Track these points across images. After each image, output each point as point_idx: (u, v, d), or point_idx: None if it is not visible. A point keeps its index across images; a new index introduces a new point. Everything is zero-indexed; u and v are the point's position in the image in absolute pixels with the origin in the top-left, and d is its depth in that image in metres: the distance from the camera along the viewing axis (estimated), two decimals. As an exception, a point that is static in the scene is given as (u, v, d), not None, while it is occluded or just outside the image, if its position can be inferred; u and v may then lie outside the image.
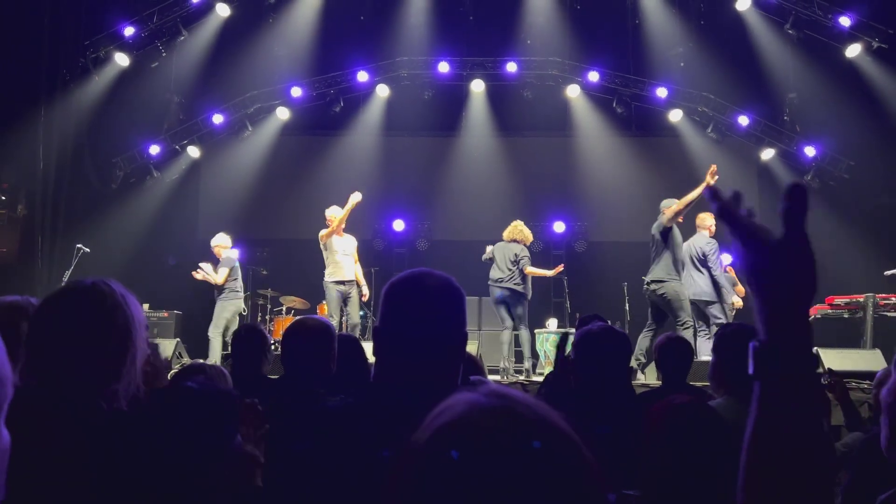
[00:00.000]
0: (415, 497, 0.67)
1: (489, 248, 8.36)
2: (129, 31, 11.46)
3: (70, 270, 8.69)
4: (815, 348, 6.02)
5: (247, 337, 3.26)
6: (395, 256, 12.18)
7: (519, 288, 8.08)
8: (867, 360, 6.82)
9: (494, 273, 8.20)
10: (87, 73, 11.34)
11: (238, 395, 1.58)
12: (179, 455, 1.33)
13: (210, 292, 11.93)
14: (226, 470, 1.36)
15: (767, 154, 12.16)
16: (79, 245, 8.97)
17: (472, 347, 7.33)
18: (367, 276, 10.61)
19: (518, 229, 8.42)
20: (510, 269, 8.10)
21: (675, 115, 12.20)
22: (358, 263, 8.61)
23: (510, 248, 8.21)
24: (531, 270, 8.22)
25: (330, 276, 8.43)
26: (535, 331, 10.09)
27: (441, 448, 0.67)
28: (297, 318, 2.99)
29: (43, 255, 10.62)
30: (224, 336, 8.25)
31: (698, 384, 5.37)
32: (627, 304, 10.52)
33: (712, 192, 0.92)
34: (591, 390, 2.36)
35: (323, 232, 8.47)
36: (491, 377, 7.27)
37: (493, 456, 0.66)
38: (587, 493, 0.68)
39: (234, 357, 3.24)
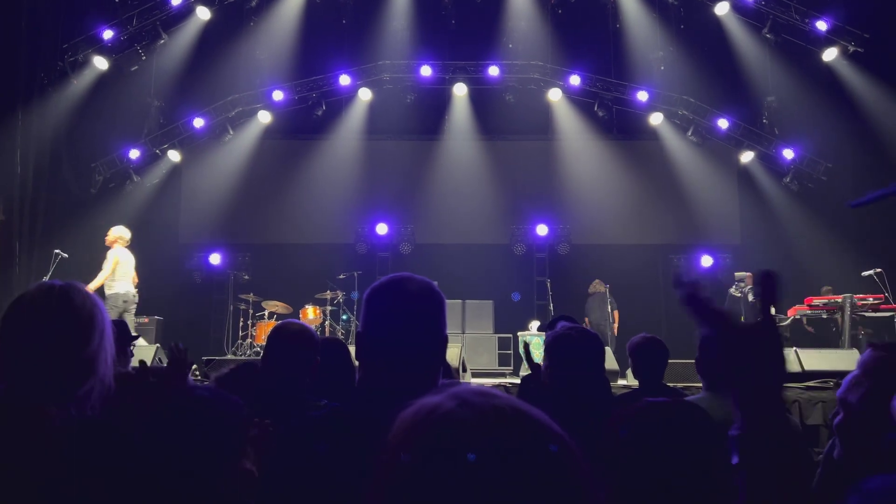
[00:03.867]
0: (408, 500, 0.67)
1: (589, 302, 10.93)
2: (108, 34, 11.35)
3: (48, 276, 8.58)
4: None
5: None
6: (378, 260, 12.16)
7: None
8: (845, 360, 6.89)
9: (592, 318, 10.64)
10: (65, 76, 11.22)
11: (245, 406, 1.57)
12: (180, 462, 1.32)
13: (190, 298, 11.87)
14: (228, 481, 1.36)
15: (747, 157, 12.30)
16: (57, 251, 8.86)
17: (455, 350, 7.34)
18: (349, 279, 10.62)
19: (599, 285, 10.96)
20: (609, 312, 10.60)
21: (656, 119, 12.30)
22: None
23: (606, 297, 10.71)
24: (616, 314, 10.75)
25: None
26: (518, 333, 10.14)
27: (434, 450, 0.67)
28: (280, 322, 2.95)
29: (21, 260, 10.47)
30: None
31: (681, 385, 5.41)
32: (609, 306, 10.60)
33: (677, 278, 0.93)
34: (565, 392, 2.36)
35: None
36: (476, 380, 7.30)
37: (484, 454, 0.66)
38: (580, 488, 0.69)
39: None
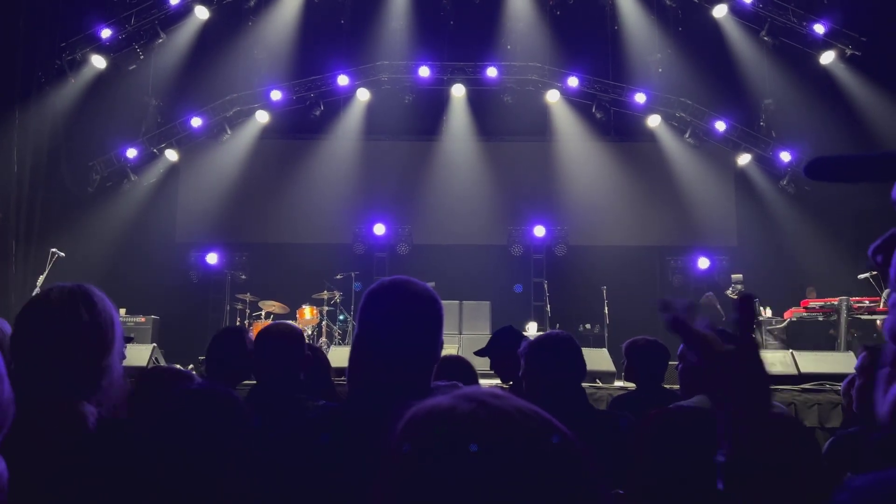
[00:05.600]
0: (410, 498, 0.67)
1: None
2: (106, 33, 11.34)
3: (44, 275, 8.56)
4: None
5: (228, 341, 3.18)
6: (375, 261, 12.16)
7: None
8: (841, 362, 6.91)
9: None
10: (63, 75, 11.20)
11: (238, 396, 1.58)
12: (189, 456, 1.33)
13: (187, 298, 11.86)
14: (235, 468, 1.37)
15: (744, 159, 12.32)
16: (54, 249, 8.83)
17: (451, 350, 7.35)
18: (347, 280, 10.62)
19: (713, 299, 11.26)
20: None
21: (654, 121, 12.32)
22: None
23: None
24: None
25: None
26: (516, 335, 10.13)
27: (437, 451, 0.68)
28: (267, 324, 2.97)
29: (17, 259, 10.46)
30: None
31: (676, 387, 5.41)
32: (606, 308, 10.60)
33: (664, 304, 0.95)
34: (543, 398, 2.36)
35: None
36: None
37: (503, 453, 0.67)
38: (588, 484, 0.69)
39: (209, 366, 3.13)
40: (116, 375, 1.52)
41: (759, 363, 0.91)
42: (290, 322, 2.85)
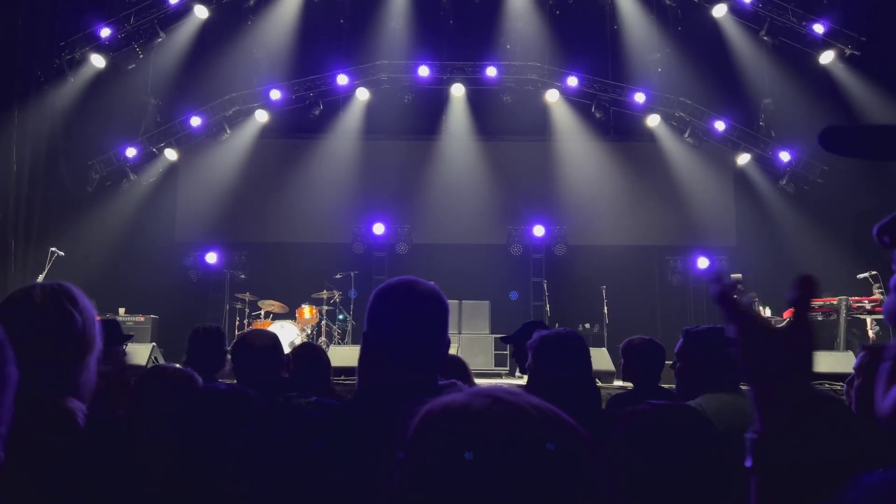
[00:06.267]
0: (426, 495, 0.68)
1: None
2: (105, 32, 11.34)
3: (44, 274, 8.57)
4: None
5: (206, 338, 3.19)
6: (375, 260, 12.16)
7: None
8: (841, 361, 6.92)
9: None
10: (62, 74, 11.20)
11: (254, 394, 1.59)
12: (194, 455, 1.34)
13: (186, 297, 11.86)
14: (235, 468, 1.37)
15: (743, 159, 12.33)
16: (53, 249, 8.84)
17: (451, 350, 7.35)
18: (346, 279, 10.62)
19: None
20: None
21: (653, 120, 12.32)
22: None
23: None
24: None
25: None
26: (515, 334, 10.12)
27: (453, 446, 0.68)
28: (244, 332, 3.03)
29: (16, 258, 10.45)
30: None
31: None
32: (606, 307, 10.62)
33: (717, 275, 0.92)
34: (551, 395, 2.36)
35: None
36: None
37: (503, 451, 0.68)
38: (600, 479, 0.70)
39: (190, 359, 3.14)
40: (92, 373, 1.53)
41: (810, 346, 0.88)
42: (265, 329, 2.92)
